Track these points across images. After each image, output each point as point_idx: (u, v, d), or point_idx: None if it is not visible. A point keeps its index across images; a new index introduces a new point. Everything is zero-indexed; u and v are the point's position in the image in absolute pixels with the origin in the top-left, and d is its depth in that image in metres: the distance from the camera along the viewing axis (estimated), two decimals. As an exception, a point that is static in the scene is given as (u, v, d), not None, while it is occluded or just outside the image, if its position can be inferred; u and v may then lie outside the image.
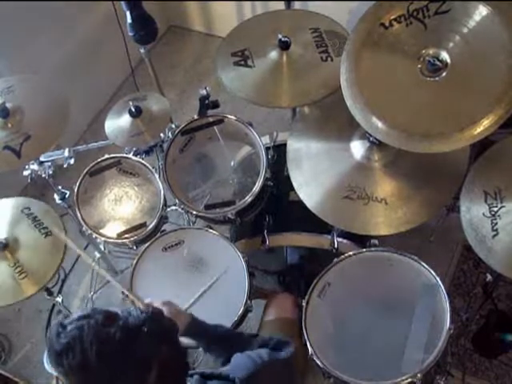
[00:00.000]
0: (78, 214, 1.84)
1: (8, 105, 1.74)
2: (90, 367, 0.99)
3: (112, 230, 1.88)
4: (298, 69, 1.78)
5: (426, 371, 1.38)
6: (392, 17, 1.39)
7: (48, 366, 2.13)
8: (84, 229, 1.86)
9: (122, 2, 1.93)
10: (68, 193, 1.98)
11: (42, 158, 1.89)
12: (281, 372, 1.31)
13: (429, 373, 1.41)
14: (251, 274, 1.72)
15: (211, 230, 1.78)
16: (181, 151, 1.89)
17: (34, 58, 2.47)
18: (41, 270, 1.70)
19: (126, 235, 1.85)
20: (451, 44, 1.34)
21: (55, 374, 2.19)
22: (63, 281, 2.51)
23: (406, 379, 1.38)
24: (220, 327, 1.43)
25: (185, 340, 1.36)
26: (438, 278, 1.51)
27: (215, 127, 1.86)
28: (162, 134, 1.97)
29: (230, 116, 1.85)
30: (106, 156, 1.90)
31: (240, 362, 1.24)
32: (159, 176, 1.86)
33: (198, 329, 1.38)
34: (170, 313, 1.33)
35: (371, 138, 1.53)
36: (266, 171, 1.73)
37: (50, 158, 1.91)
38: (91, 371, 1.00)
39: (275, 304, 1.75)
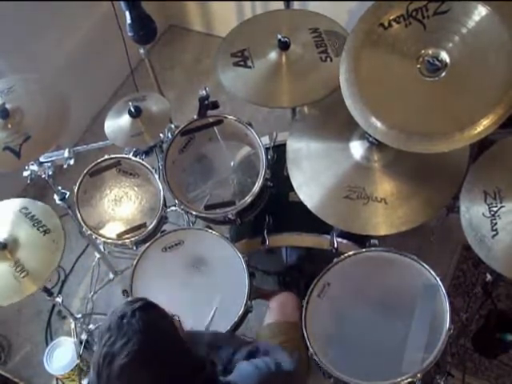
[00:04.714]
0: (78, 215, 1.84)
1: (8, 105, 1.74)
2: (114, 363, 0.99)
3: (112, 230, 1.88)
4: (297, 69, 1.78)
5: (426, 371, 1.39)
6: (391, 17, 1.39)
7: (48, 367, 2.13)
8: (84, 229, 1.86)
9: (122, 2, 1.94)
10: (68, 193, 1.98)
11: (41, 159, 1.89)
12: (286, 382, 1.30)
13: (429, 373, 1.41)
14: (251, 275, 1.72)
15: (211, 231, 1.78)
16: (180, 152, 1.88)
17: (34, 58, 2.47)
18: (41, 268, 1.70)
19: (126, 236, 1.85)
20: (450, 44, 1.34)
21: (55, 373, 2.19)
22: (63, 281, 2.52)
23: (406, 379, 1.38)
24: (209, 335, 1.43)
25: None
26: (437, 278, 1.51)
27: (215, 128, 1.86)
28: (161, 135, 1.97)
29: (229, 116, 1.85)
30: (106, 156, 1.90)
31: (247, 371, 1.22)
32: (159, 176, 1.86)
33: (197, 338, 1.37)
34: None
35: (370, 138, 1.53)
36: (265, 171, 1.73)
37: (49, 159, 1.91)
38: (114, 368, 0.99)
39: (277, 306, 1.74)
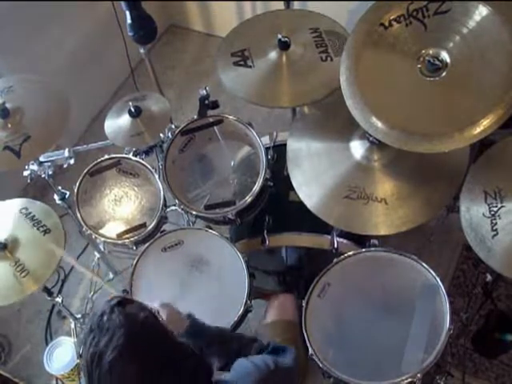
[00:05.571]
0: (78, 215, 1.84)
1: (8, 105, 1.74)
2: (102, 362, 0.99)
3: (112, 230, 1.88)
4: (297, 69, 1.78)
5: (426, 371, 1.38)
6: (392, 17, 1.40)
7: (48, 367, 2.13)
8: (84, 229, 1.86)
9: (122, 2, 1.94)
10: (68, 193, 1.98)
11: (41, 159, 1.89)
12: (285, 380, 1.30)
13: (428, 373, 1.41)
14: (251, 275, 1.72)
15: (211, 231, 1.78)
16: (181, 151, 1.88)
17: (34, 58, 2.47)
18: (41, 268, 1.70)
19: (126, 235, 1.85)
20: (451, 44, 1.34)
21: (55, 373, 2.19)
22: (63, 281, 2.51)
23: (406, 379, 1.38)
24: (219, 329, 1.43)
25: None
26: (437, 278, 1.51)
27: (215, 127, 1.86)
28: (161, 135, 1.97)
29: (229, 116, 1.85)
30: (106, 156, 1.90)
31: (246, 369, 1.21)
32: (159, 176, 1.86)
33: (197, 331, 1.37)
34: (170, 315, 1.32)
35: (371, 138, 1.53)
36: (265, 171, 1.73)
37: (49, 159, 1.91)
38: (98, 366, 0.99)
39: (276, 305, 1.74)
